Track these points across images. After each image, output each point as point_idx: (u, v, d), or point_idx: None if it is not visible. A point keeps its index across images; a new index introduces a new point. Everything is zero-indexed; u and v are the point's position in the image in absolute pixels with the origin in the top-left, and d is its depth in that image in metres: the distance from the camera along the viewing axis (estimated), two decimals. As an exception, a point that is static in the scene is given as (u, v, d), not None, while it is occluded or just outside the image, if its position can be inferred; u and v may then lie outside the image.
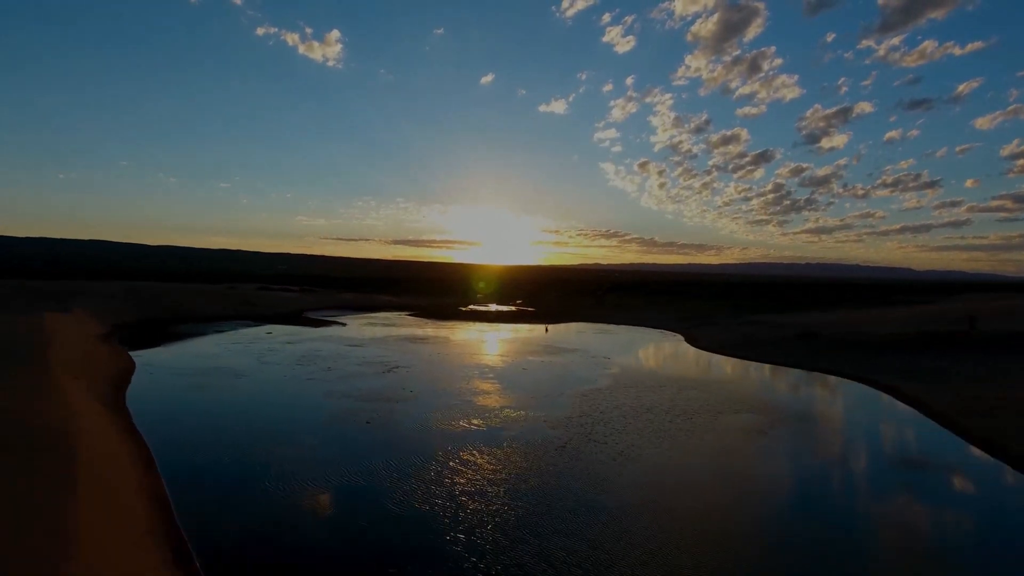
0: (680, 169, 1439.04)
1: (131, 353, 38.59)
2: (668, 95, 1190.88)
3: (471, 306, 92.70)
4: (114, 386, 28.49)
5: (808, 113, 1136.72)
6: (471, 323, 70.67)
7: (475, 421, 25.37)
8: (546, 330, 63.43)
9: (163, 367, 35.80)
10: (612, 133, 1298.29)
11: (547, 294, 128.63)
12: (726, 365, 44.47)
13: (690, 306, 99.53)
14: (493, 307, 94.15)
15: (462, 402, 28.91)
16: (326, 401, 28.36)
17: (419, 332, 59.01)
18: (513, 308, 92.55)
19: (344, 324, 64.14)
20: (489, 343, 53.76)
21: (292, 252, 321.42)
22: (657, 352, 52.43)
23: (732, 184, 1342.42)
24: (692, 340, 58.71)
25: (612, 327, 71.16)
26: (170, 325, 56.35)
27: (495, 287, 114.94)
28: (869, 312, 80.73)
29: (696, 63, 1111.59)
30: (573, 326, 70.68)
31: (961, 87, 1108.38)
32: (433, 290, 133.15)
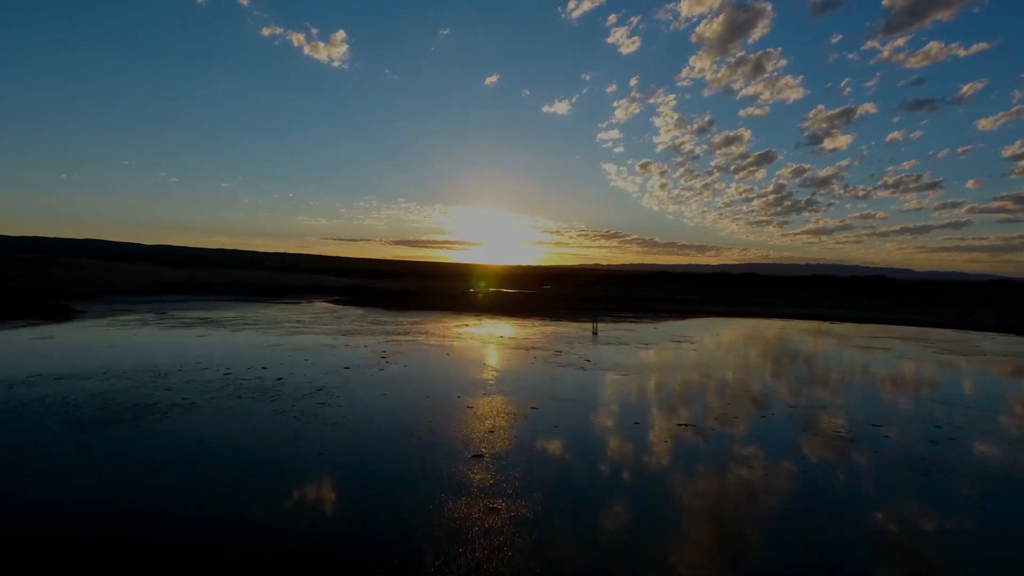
0: (682, 170, 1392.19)
1: None
2: (671, 96, 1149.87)
3: (466, 290, 51.84)
4: None
5: (811, 114, 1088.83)
6: (455, 316, 29.93)
7: None
8: (594, 333, 24.36)
9: None
10: (615, 134, 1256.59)
11: (564, 285, 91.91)
12: None
13: (805, 298, 64.08)
14: (495, 288, 53.49)
15: None
16: None
17: (294, 339, 17.99)
18: (540, 290, 51.42)
19: (83, 313, 23.47)
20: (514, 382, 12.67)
21: (292, 252, 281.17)
22: None
23: (733, 185, 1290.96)
24: None
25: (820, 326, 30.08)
26: None
27: (496, 284, 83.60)
28: None
29: (700, 64, 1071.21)
30: (694, 323, 29.40)
31: (965, 88, 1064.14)
32: (421, 276, 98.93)
